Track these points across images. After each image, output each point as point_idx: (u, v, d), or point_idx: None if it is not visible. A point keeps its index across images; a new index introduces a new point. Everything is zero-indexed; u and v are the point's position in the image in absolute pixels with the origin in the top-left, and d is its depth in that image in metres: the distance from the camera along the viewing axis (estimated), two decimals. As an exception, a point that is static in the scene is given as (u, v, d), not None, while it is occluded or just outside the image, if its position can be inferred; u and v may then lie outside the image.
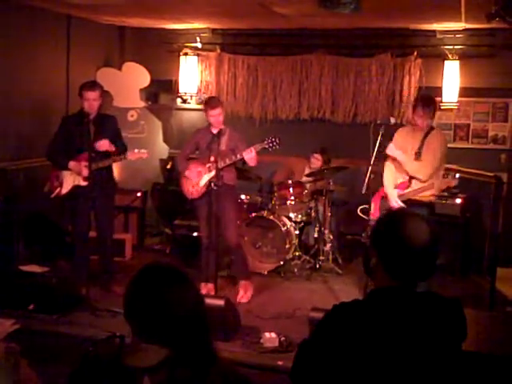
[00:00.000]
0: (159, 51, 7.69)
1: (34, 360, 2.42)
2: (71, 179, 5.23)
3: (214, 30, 7.54)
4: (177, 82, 7.61)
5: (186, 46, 7.55)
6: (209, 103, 5.39)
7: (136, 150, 5.42)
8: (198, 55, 7.56)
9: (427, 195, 4.89)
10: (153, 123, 7.41)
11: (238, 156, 5.23)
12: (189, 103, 7.78)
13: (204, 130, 5.49)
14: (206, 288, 5.30)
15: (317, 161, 6.68)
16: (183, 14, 6.51)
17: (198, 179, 5.37)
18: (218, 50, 7.60)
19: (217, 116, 5.29)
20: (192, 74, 7.55)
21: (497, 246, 5.53)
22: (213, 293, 5.21)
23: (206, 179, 5.34)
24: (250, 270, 5.65)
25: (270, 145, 5.25)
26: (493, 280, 5.04)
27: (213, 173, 5.25)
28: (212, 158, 5.28)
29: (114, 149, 5.23)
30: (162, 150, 7.35)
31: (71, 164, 5.19)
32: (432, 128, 4.99)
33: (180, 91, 7.60)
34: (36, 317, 4.59)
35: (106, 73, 7.25)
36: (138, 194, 6.96)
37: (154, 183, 7.37)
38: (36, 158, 5.97)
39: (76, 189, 5.21)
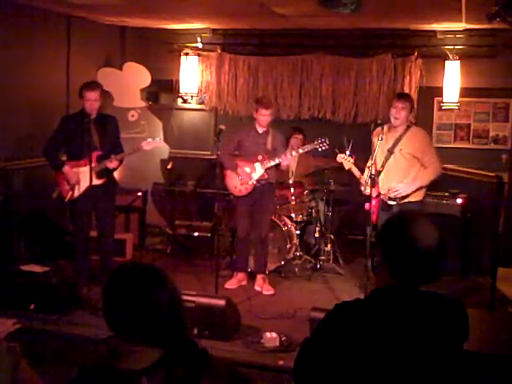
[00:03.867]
0: (160, 51, 7.69)
1: (35, 359, 2.42)
2: (86, 180, 5.18)
3: (214, 30, 7.54)
4: (177, 82, 7.61)
5: (187, 46, 7.55)
6: (262, 103, 5.57)
7: (149, 139, 5.46)
8: (198, 55, 7.56)
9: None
10: (153, 123, 7.42)
11: (277, 160, 5.50)
12: (189, 103, 7.78)
13: (247, 128, 5.69)
14: (237, 277, 5.73)
15: (297, 140, 6.65)
16: (184, 14, 6.51)
17: (248, 177, 5.55)
18: (219, 50, 7.60)
19: (267, 116, 5.51)
20: (193, 74, 7.55)
21: (498, 246, 5.52)
22: (244, 282, 5.74)
23: (255, 177, 5.56)
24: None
25: (321, 146, 5.55)
26: (493, 280, 5.03)
27: (262, 171, 5.53)
28: (260, 157, 5.53)
29: (118, 164, 5.32)
30: (163, 149, 7.35)
31: (66, 168, 5.20)
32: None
33: (181, 91, 7.60)
34: (36, 316, 4.58)
35: (107, 73, 7.26)
36: (139, 194, 6.96)
37: (155, 183, 7.38)
38: (36, 158, 5.96)
39: (89, 189, 5.15)
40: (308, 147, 5.62)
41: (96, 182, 5.14)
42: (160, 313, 1.65)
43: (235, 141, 5.63)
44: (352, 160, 5.32)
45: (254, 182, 5.57)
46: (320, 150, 5.59)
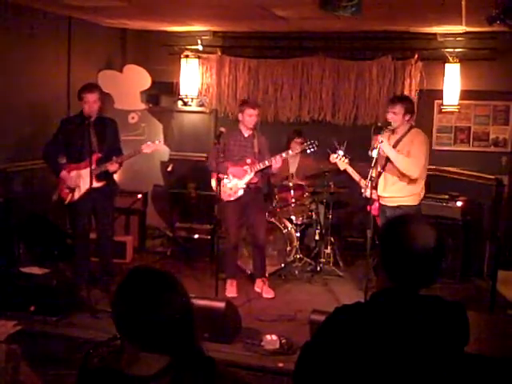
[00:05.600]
0: (160, 54, 7.70)
1: (35, 361, 2.43)
2: (86, 182, 5.17)
3: (215, 33, 7.55)
4: (178, 85, 7.62)
5: (187, 49, 7.56)
6: (248, 102, 5.58)
7: (149, 143, 5.47)
8: (198, 58, 7.57)
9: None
10: (154, 125, 7.42)
11: (267, 163, 5.46)
12: (190, 106, 7.79)
13: (233, 132, 5.59)
14: (233, 284, 5.63)
15: (297, 144, 6.58)
16: (184, 16, 6.52)
17: (238, 181, 5.49)
18: (219, 53, 7.61)
19: (254, 116, 5.47)
20: (193, 77, 7.56)
21: (498, 249, 5.52)
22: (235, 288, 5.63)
23: (245, 181, 5.50)
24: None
25: (310, 147, 5.54)
26: (493, 283, 5.03)
27: (252, 175, 5.47)
28: (249, 161, 5.48)
29: (118, 167, 5.33)
30: (163, 152, 7.35)
31: (62, 174, 5.21)
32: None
33: (181, 93, 7.61)
34: (36, 318, 4.58)
35: (107, 75, 7.26)
36: (139, 196, 6.96)
37: (155, 185, 7.38)
38: (36, 160, 5.96)
39: (89, 191, 5.15)
40: (297, 149, 5.62)
41: (96, 184, 5.14)
42: (171, 318, 1.63)
43: (221, 144, 5.44)
44: (347, 160, 5.29)
45: (244, 186, 5.51)
46: (309, 151, 5.59)
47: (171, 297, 1.67)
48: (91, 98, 5.14)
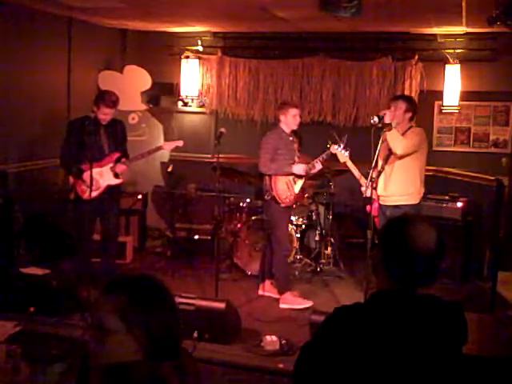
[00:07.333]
0: (161, 54, 7.70)
1: (35, 361, 2.43)
2: (102, 180, 5.23)
3: (215, 34, 7.56)
4: (178, 85, 7.62)
5: (188, 49, 7.56)
6: (291, 103, 5.53)
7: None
8: (199, 58, 7.58)
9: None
10: (154, 126, 7.42)
11: (317, 166, 5.34)
12: (190, 106, 7.79)
13: (279, 134, 5.39)
14: (295, 294, 5.45)
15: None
16: (184, 17, 6.52)
17: (295, 184, 5.40)
18: (219, 53, 7.61)
19: (298, 116, 5.37)
20: (193, 77, 7.56)
21: (498, 250, 5.52)
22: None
23: (300, 185, 5.41)
24: None
25: (343, 146, 5.32)
26: (494, 284, 5.03)
27: (305, 178, 5.40)
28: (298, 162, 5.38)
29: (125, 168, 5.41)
30: (163, 153, 7.34)
31: (85, 175, 5.21)
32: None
33: (181, 94, 7.61)
34: (36, 319, 4.58)
35: (108, 76, 7.27)
36: (139, 197, 6.96)
37: (155, 186, 7.38)
38: (37, 161, 5.96)
39: (107, 189, 5.29)
40: (335, 148, 5.31)
41: (115, 181, 5.31)
42: (159, 329, 1.62)
43: (271, 148, 5.31)
44: (347, 153, 5.30)
45: (297, 191, 5.37)
46: (341, 149, 5.34)
47: (159, 305, 1.63)
48: (109, 112, 5.22)
